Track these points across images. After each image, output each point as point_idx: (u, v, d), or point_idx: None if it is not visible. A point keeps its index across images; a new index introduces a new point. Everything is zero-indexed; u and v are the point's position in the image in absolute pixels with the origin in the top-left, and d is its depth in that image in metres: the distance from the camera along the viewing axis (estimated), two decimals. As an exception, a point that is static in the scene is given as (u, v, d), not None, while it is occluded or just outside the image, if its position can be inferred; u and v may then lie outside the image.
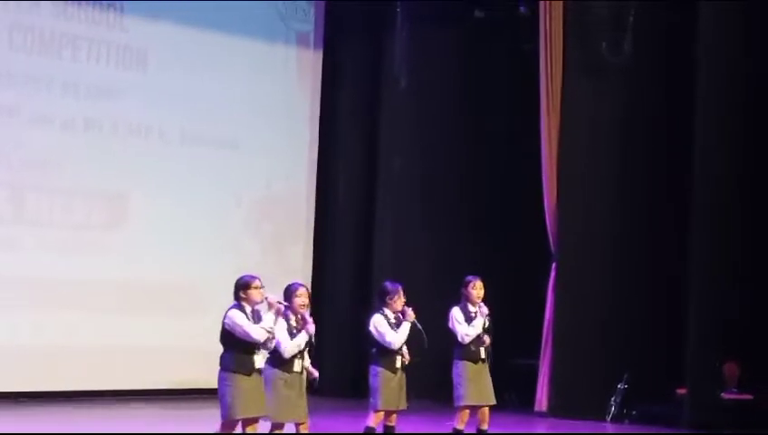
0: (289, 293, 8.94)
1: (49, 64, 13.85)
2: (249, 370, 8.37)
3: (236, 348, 8.35)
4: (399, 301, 9.75)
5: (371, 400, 9.74)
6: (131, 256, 14.30)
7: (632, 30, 13.89)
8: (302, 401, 8.90)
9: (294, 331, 8.76)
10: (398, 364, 9.71)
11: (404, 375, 9.81)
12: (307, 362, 8.94)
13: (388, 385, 9.67)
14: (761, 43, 12.97)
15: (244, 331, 8.30)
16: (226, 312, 8.41)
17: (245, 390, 8.34)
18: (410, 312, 9.73)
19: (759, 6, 12.93)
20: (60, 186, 13.87)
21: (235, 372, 8.34)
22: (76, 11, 14.05)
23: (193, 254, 14.68)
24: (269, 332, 8.36)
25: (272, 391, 8.72)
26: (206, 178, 14.99)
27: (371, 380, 9.73)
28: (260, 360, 8.46)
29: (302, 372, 8.88)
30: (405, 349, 9.80)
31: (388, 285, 9.91)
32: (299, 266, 15.78)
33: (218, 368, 8.44)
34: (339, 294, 15.73)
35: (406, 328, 9.67)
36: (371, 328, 9.68)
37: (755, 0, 12.93)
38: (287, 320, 8.76)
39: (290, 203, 15.95)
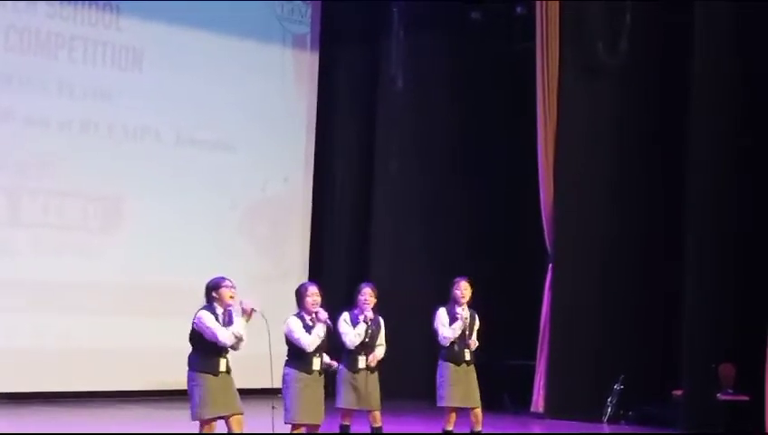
0: (300, 294, 9.06)
1: (45, 65, 13.84)
2: (216, 371, 8.41)
3: (204, 349, 8.41)
4: (363, 299, 9.72)
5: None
6: (127, 258, 14.29)
7: (628, 30, 13.91)
8: (321, 403, 9.00)
9: (310, 324, 8.86)
10: (361, 364, 9.68)
11: (374, 376, 9.77)
12: (325, 357, 9.03)
13: (347, 384, 9.70)
14: (756, 44, 12.96)
15: (213, 333, 8.35)
16: (196, 312, 8.46)
17: (213, 389, 8.38)
18: (369, 313, 9.72)
19: (754, 7, 12.93)
20: (55, 188, 13.85)
21: (202, 373, 8.39)
22: (72, 11, 14.04)
23: (189, 256, 14.65)
24: (237, 337, 8.40)
25: (290, 392, 8.86)
26: (202, 180, 14.98)
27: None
28: (224, 363, 8.45)
29: (321, 372, 8.97)
30: (380, 350, 9.79)
31: (361, 284, 9.98)
32: (295, 269, 15.76)
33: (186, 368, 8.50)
34: (335, 297, 15.64)
35: (361, 329, 9.65)
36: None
37: (751, 1, 12.92)
38: (302, 319, 8.90)
39: (286, 205, 15.93)
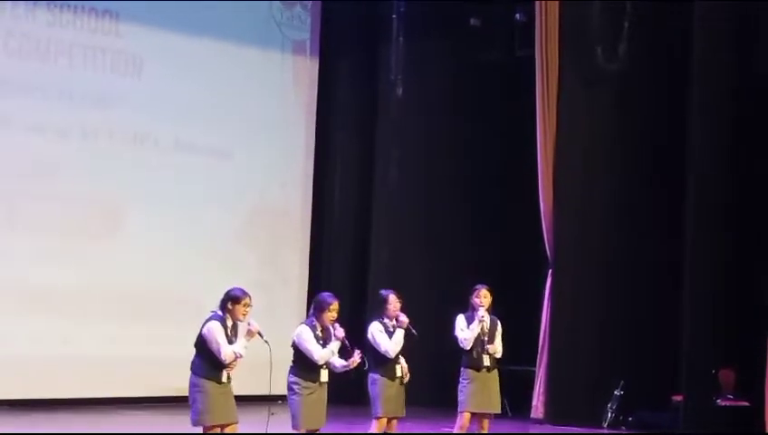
0: (321, 306, 8.98)
1: (44, 71, 13.84)
2: (219, 379, 8.43)
3: (209, 356, 8.40)
4: (392, 307, 9.73)
5: (372, 408, 9.75)
6: (126, 264, 14.27)
7: (627, 36, 13.92)
8: (324, 407, 9.00)
9: (321, 341, 8.84)
10: (399, 373, 9.70)
11: (402, 384, 9.81)
12: (341, 362, 9.00)
13: (387, 392, 9.67)
14: (756, 49, 12.97)
15: (219, 348, 8.34)
16: (207, 320, 8.44)
17: (215, 397, 8.40)
18: (403, 318, 9.69)
19: (754, 13, 12.94)
20: (54, 194, 13.83)
21: (205, 379, 8.39)
22: (72, 18, 14.05)
23: (188, 263, 14.65)
24: (237, 355, 8.39)
25: (297, 399, 8.84)
26: (201, 187, 14.96)
27: (370, 388, 9.74)
28: (226, 372, 8.45)
29: (325, 382, 8.94)
30: (403, 361, 9.78)
31: (382, 292, 9.93)
32: (295, 276, 15.76)
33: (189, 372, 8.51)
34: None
35: (400, 335, 9.66)
36: (369, 336, 9.67)
37: (750, 6, 12.93)
38: (313, 329, 8.86)
39: (286, 212, 15.92)
